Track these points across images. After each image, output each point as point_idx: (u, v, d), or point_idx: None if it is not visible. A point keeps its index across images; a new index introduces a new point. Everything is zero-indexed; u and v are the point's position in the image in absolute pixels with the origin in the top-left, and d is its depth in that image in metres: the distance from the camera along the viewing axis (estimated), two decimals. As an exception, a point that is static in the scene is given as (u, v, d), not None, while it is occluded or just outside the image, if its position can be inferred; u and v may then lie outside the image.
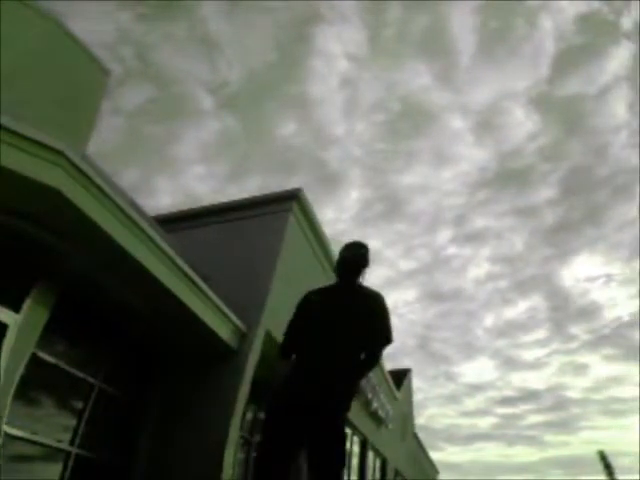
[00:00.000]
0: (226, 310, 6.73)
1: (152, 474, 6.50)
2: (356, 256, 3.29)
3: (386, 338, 3.22)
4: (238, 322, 7.10)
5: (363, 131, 36.67)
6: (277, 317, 7.74)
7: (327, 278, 9.44)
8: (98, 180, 4.25)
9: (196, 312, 6.11)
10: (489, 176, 41.04)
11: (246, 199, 8.38)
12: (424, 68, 30.20)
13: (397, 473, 21.32)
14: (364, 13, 27.37)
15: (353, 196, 41.62)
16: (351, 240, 3.45)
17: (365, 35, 29.49)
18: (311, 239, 8.83)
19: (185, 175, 39.30)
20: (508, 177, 40.58)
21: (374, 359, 3.18)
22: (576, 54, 34.19)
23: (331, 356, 3.02)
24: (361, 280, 3.32)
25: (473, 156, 39.18)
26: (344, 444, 2.97)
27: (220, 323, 6.72)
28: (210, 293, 6.30)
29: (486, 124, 35.92)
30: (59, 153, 3.91)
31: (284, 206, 8.00)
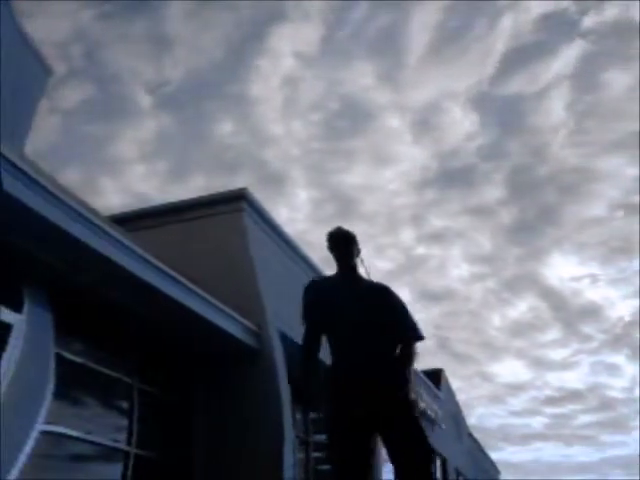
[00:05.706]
0: (224, 308, 6.52)
1: (212, 474, 6.38)
2: (339, 232, 3.16)
3: (416, 334, 3.01)
4: (244, 321, 6.92)
5: (300, 130, 37.32)
6: (282, 318, 7.68)
7: (306, 276, 9.41)
8: (43, 181, 4.16)
9: (197, 311, 5.96)
10: (431, 175, 42.06)
11: (194, 199, 8.21)
12: (370, 68, 31.25)
13: (459, 473, 20.78)
14: (328, 12, 28.22)
15: (302, 196, 41.57)
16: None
17: (320, 34, 30.35)
18: (272, 236, 8.86)
19: (127, 175, 38.95)
20: (451, 177, 41.70)
21: (408, 358, 2.92)
22: (525, 53, 36.22)
23: (367, 354, 2.78)
24: (360, 268, 3.15)
25: (413, 155, 40.21)
26: (421, 429, 2.68)
27: (228, 323, 6.58)
28: (199, 291, 6.15)
29: (424, 123, 37.21)
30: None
31: (234, 206, 8.01)
